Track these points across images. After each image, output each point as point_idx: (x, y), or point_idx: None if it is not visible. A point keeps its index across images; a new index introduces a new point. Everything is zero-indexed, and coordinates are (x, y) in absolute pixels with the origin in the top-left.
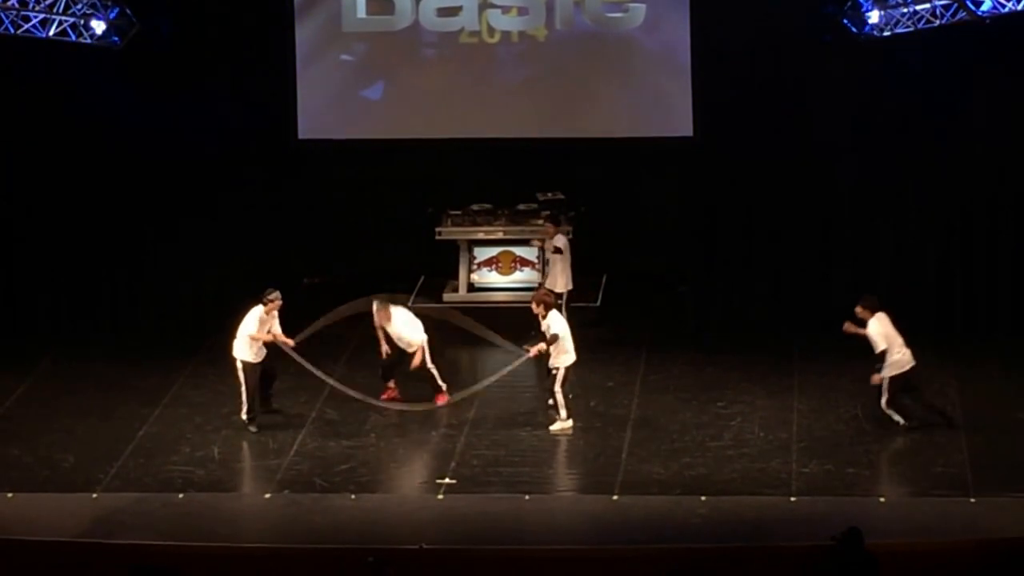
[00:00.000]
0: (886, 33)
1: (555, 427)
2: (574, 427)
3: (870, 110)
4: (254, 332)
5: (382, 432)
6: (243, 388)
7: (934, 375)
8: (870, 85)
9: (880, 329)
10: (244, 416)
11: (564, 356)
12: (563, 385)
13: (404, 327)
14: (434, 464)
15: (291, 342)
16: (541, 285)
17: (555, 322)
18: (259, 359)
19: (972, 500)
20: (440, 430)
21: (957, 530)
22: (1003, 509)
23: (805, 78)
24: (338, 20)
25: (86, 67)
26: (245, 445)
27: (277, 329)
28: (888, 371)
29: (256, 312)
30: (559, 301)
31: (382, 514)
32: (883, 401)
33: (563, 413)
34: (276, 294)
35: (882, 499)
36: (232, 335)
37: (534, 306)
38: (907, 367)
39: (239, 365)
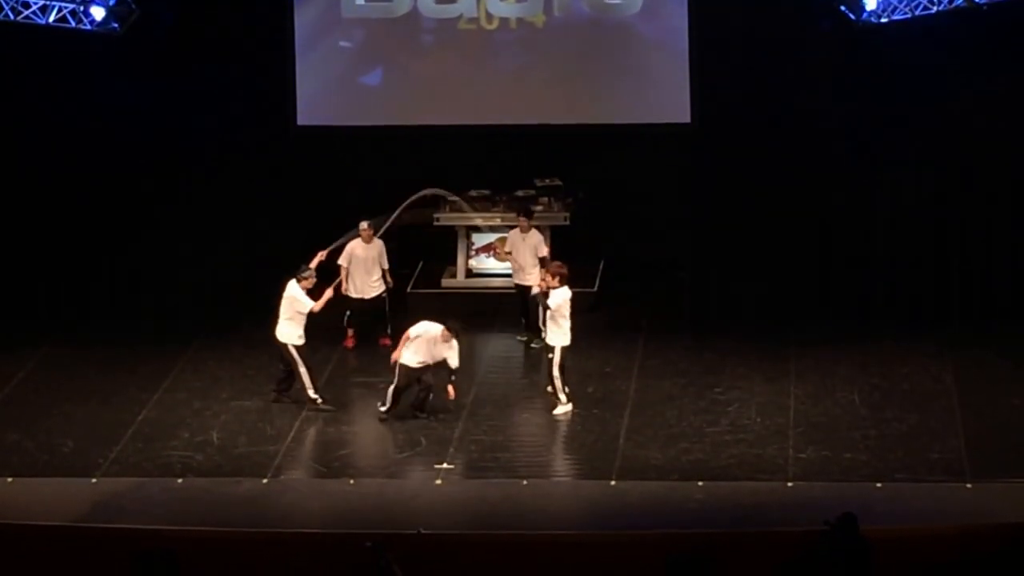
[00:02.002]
0: (884, 19)
1: (557, 411)
2: (573, 412)
3: (868, 96)
4: (308, 308)
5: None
6: (303, 370)
7: (931, 361)
8: (868, 71)
9: (567, 298)
10: (312, 394)
11: (561, 337)
12: (561, 369)
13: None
14: (432, 449)
15: (329, 293)
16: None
17: (559, 298)
18: (304, 340)
19: (968, 486)
20: (439, 415)
21: (953, 515)
22: (999, 495)
23: (803, 65)
24: (337, 6)
25: (85, 53)
26: (244, 431)
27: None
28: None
29: (296, 290)
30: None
31: (380, 499)
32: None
33: (563, 397)
34: (310, 271)
35: (878, 484)
36: (274, 321)
37: (549, 278)
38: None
39: (291, 350)
